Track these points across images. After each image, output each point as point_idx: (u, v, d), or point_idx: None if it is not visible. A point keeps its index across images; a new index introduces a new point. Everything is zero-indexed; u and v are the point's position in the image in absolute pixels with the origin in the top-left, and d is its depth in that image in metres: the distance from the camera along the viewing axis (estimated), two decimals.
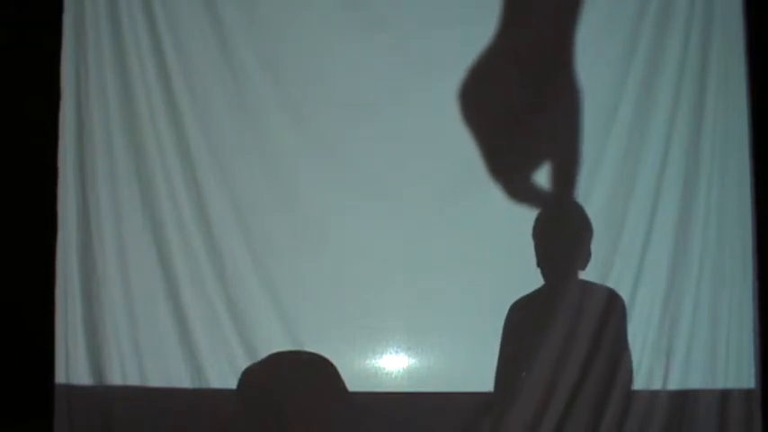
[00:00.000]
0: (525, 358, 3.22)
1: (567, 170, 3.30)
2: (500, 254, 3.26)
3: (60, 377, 3.20)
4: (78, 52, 3.29)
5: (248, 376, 3.19)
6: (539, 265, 3.26)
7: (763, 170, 3.36)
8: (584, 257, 3.26)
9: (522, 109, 3.29)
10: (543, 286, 3.27)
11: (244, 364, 3.20)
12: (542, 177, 3.30)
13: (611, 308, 3.24)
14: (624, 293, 3.26)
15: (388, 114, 3.28)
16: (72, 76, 3.29)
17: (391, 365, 3.26)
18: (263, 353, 3.21)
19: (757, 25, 3.38)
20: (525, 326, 3.23)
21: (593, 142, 3.31)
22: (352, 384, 3.20)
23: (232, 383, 3.20)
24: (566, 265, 3.26)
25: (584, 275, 3.27)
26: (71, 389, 3.20)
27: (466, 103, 3.26)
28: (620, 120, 3.32)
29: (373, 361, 3.25)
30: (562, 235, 3.28)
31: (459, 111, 3.27)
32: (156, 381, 3.22)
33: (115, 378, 3.21)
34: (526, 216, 3.28)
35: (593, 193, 3.30)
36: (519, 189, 3.28)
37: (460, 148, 3.28)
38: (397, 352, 3.26)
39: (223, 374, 3.20)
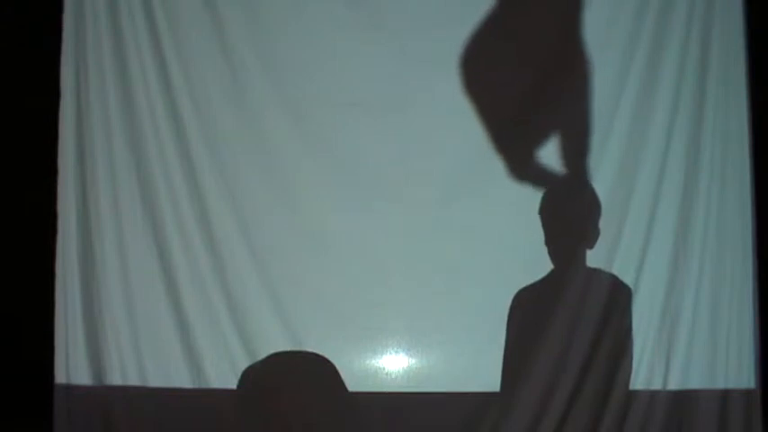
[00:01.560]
0: (530, 347, 3.21)
1: (575, 147, 3.29)
2: (500, 253, 3.26)
3: (60, 377, 3.20)
4: (78, 52, 3.29)
5: (248, 376, 3.19)
6: (546, 243, 3.26)
7: (763, 170, 3.36)
8: (591, 235, 3.25)
9: (526, 92, 3.29)
10: (550, 272, 3.26)
11: (244, 364, 3.20)
12: (550, 153, 3.29)
13: (617, 295, 3.23)
14: None
15: (389, 114, 3.28)
16: (72, 76, 3.29)
17: (391, 365, 3.26)
18: (263, 353, 3.21)
19: (757, 25, 3.38)
20: (530, 313, 3.23)
21: (593, 142, 3.31)
22: (352, 384, 3.20)
23: (232, 383, 3.20)
24: (573, 244, 3.25)
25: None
26: (71, 389, 3.20)
27: (468, 74, 3.25)
28: (620, 120, 3.31)
29: (373, 361, 3.25)
30: (568, 211, 3.27)
31: (461, 81, 3.26)
32: (156, 381, 3.22)
33: (115, 378, 3.21)
34: (527, 216, 3.27)
35: None
36: (524, 165, 3.27)
37: (461, 147, 3.28)
38: (397, 352, 3.26)
39: (223, 374, 3.20)
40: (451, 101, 3.28)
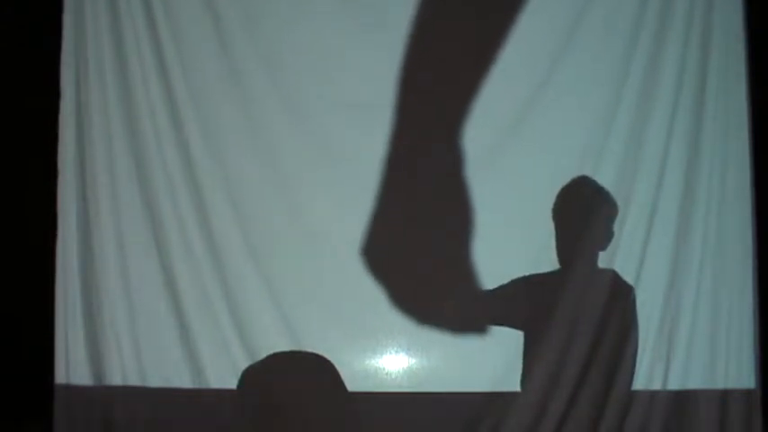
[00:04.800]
0: (531, 346, 3.21)
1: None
2: (500, 253, 3.25)
3: (60, 377, 3.21)
4: (78, 52, 3.29)
5: (248, 376, 3.19)
6: (556, 246, 3.26)
7: (763, 170, 3.36)
8: (599, 237, 3.25)
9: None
10: (556, 270, 3.27)
11: (244, 364, 3.20)
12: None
13: (618, 295, 3.23)
14: None
15: (389, 114, 3.28)
16: (72, 76, 3.29)
17: (391, 365, 3.26)
18: (263, 353, 3.21)
19: (757, 25, 3.38)
20: (532, 312, 3.22)
21: (593, 142, 3.31)
22: (352, 384, 3.20)
23: (232, 383, 3.20)
24: (580, 245, 3.25)
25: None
26: (71, 389, 3.20)
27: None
28: (620, 119, 3.31)
29: (373, 361, 3.25)
30: (576, 213, 3.26)
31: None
32: (156, 381, 3.22)
33: (115, 378, 3.21)
34: (526, 217, 3.27)
35: None
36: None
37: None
38: (397, 352, 3.26)
39: (223, 374, 3.20)
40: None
